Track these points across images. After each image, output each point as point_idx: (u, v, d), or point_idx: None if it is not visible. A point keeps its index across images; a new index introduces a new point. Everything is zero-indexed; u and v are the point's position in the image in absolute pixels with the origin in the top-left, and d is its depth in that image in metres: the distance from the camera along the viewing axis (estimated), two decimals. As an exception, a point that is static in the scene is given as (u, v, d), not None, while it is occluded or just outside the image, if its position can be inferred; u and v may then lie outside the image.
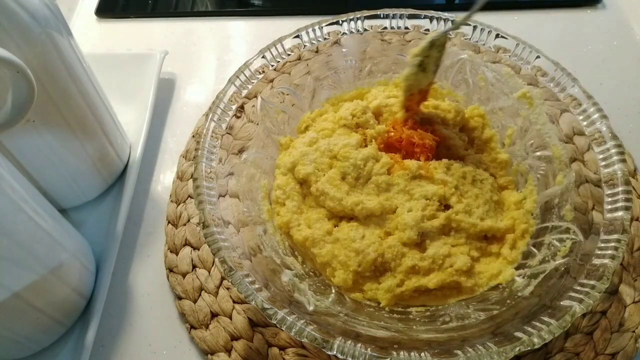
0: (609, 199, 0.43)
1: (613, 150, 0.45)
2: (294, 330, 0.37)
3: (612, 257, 0.39)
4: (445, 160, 0.52)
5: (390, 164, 0.51)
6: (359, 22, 0.56)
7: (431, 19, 0.55)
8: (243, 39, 0.80)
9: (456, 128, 0.55)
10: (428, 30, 0.56)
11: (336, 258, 0.46)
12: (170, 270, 0.55)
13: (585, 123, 0.48)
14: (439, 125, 0.54)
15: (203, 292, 0.53)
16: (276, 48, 0.55)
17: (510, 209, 0.51)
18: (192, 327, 0.51)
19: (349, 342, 0.36)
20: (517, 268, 0.47)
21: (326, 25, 0.56)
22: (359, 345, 0.36)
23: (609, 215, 0.42)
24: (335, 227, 0.49)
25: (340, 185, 0.50)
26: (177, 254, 0.55)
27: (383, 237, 0.48)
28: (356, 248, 0.46)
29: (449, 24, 0.53)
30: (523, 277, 0.45)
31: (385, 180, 0.50)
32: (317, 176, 0.50)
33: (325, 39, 0.56)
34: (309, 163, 0.51)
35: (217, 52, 0.78)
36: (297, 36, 0.55)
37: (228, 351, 0.49)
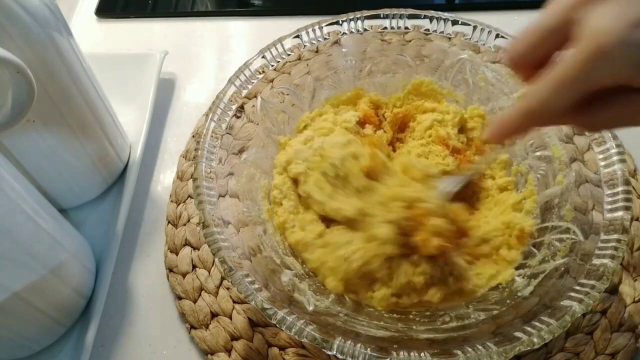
0: (609, 199, 0.43)
1: (613, 150, 0.45)
2: (294, 330, 0.37)
3: (612, 257, 0.39)
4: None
5: (371, 164, 0.48)
6: (359, 22, 0.56)
7: (431, 19, 0.56)
8: (243, 39, 0.80)
9: (455, 129, 0.55)
10: (428, 30, 0.56)
11: (325, 264, 0.45)
12: (170, 270, 0.55)
13: (585, 123, 0.48)
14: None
15: (203, 292, 0.53)
16: (276, 48, 0.54)
17: (510, 209, 0.51)
18: (192, 327, 0.51)
19: (349, 342, 0.36)
20: (517, 268, 0.46)
21: (326, 25, 0.56)
22: (359, 345, 0.36)
23: (609, 215, 0.42)
24: (328, 228, 0.48)
25: (325, 187, 0.48)
26: (177, 254, 0.55)
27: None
28: (342, 255, 0.44)
29: None
30: (523, 277, 0.45)
31: (365, 184, 0.47)
32: (308, 176, 0.49)
33: (325, 39, 0.56)
34: (301, 162, 0.50)
35: (217, 52, 0.78)
36: (297, 36, 0.55)
37: (228, 351, 0.49)
